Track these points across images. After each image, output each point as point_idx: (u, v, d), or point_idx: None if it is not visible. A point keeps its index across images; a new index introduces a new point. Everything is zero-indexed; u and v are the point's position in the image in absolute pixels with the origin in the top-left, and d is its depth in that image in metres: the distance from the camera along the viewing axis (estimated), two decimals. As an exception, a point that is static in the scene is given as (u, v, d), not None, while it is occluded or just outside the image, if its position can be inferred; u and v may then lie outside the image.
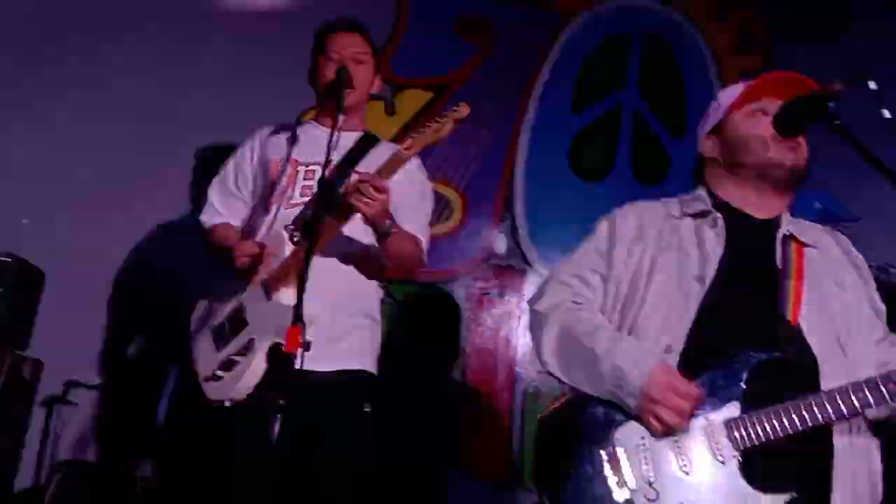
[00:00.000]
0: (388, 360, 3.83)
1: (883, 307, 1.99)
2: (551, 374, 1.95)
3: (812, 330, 1.83)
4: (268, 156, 2.72)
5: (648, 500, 1.72)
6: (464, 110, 2.38)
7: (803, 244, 1.96)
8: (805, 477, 1.73)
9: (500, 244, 4.08)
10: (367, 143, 2.71)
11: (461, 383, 3.92)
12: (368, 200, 2.32)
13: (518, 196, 4.12)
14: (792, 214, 2.06)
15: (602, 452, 1.78)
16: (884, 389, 1.66)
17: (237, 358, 2.41)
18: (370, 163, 2.59)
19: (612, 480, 1.75)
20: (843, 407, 1.68)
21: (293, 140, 2.71)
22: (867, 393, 1.67)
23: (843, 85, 1.69)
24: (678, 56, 4.37)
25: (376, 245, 2.50)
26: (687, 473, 1.72)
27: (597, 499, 1.75)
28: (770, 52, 4.39)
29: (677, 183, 4.12)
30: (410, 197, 2.65)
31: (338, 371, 2.48)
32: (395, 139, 3.90)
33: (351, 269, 2.57)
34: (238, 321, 2.48)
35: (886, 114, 1.58)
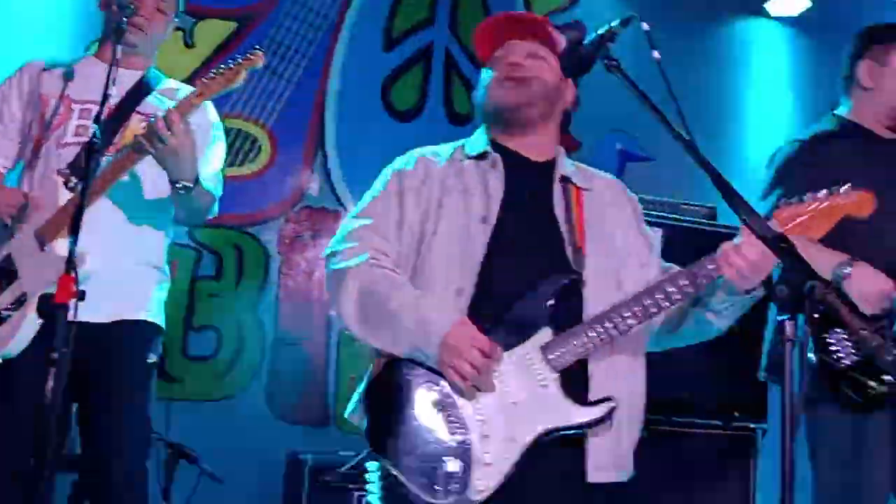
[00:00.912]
0: (194, 307, 3.71)
1: (652, 237, 2.10)
2: (354, 338, 1.91)
3: (592, 267, 1.92)
4: (40, 91, 2.48)
5: (484, 437, 1.77)
6: (258, 59, 2.30)
7: (580, 188, 2.03)
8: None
9: (313, 185, 3.97)
10: (150, 83, 2.52)
11: (274, 327, 3.83)
12: (160, 145, 2.19)
13: (330, 135, 4.01)
14: (594, 156, 2.12)
15: (433, 402, 1.80)
16: (674, 288, 1.81)
17: (7, 312, 2.26)
18: (154, 104, 2.45)
19: (445, 428, 1.78)
20: (647, 307, 1.80)
21: (69, 75, 2.48)
22: (660, 295, 1.81)
23: (619, 27, 1.72)
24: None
25: (162, 191, 2.37)
26: (514, 404, 1.79)
27: (433, 449, 1.77)
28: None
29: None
30: (199, 144, 2.49)
31: (118, 321, 2.36)
32: (195, 73, 3.70)
33: (133, 216, 2.41)
34: (7, 273, 2.30)
35: (656, 54, 1.62)
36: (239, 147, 3.78)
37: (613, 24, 1.75)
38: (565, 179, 2.01)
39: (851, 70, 2.69)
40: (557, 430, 1.78)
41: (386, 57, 4.15)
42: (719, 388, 3.29)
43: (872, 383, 2.37)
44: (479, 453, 1.75)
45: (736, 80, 4.79)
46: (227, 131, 3.70)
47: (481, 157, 2.01)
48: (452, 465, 1.75)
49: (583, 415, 1.79)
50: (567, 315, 1.85)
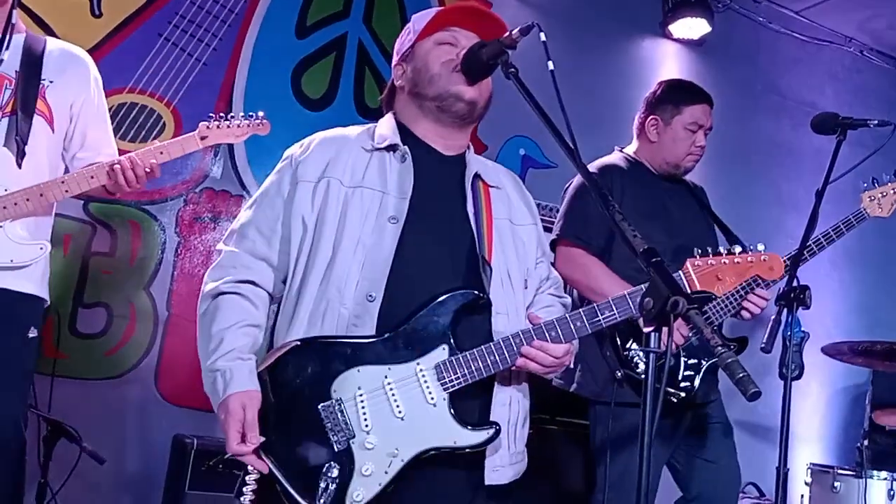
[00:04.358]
0: (85, 283, 3.62)
1: (548, 247, 2.15)
2: None
3: (499, 269, 1.92)
4: None
5: (367, 448, 1.75)
6: (265, 128, 2.59)
7: (489, 185, 2.02)
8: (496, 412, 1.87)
9: (216, 167, 3.92)
10: (38, 46, 2.49)
11: (167, 308, 3.77)
12: (133, 178, 2.40)
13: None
14: (498, 160, 2.17)
15: (320, 407, 1.77)
16: (580, 324, 1.83)
17: None
18: (51, 68, 2.46)
19: (331, 434, 1.76)
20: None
21: None
22: (565, 328, 1.83)
23: (519, 35, 1.77)
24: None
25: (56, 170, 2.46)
26: (402, 418, 1.77)
27: (315, 452, 1.75)
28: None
29: (397, 118, 4.19)
30: (100, 121, 2.58)
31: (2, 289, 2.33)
32: (100, 44, 3.61)
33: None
34: None
35: (551, 65, 1.67)
36: (142, 123, 3.71)
37: (514, 31, 1.78)
38: (477, 177, 1.99)
39: (643, 119, 3.09)
40: (439, 450, 1.77)
41: (299, 44, 4.13)
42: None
43: (672, 391, 2.71)
44: (359, 463, 1.74)
45: (639, 95, 4.97)
46: (131, 107, 3.68)
47: (390, 148, 1.95)
48: (332, 472, 1.73)
49: (467, 438, 1.78)
50: (470, 328, 1.84)
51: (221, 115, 2.57)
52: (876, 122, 2.81)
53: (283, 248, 1.92)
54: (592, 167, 3.02)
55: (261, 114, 2.65)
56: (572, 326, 1.82)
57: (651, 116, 3.07)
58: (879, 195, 2.96)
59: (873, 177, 2.98)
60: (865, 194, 2.99)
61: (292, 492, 1.73)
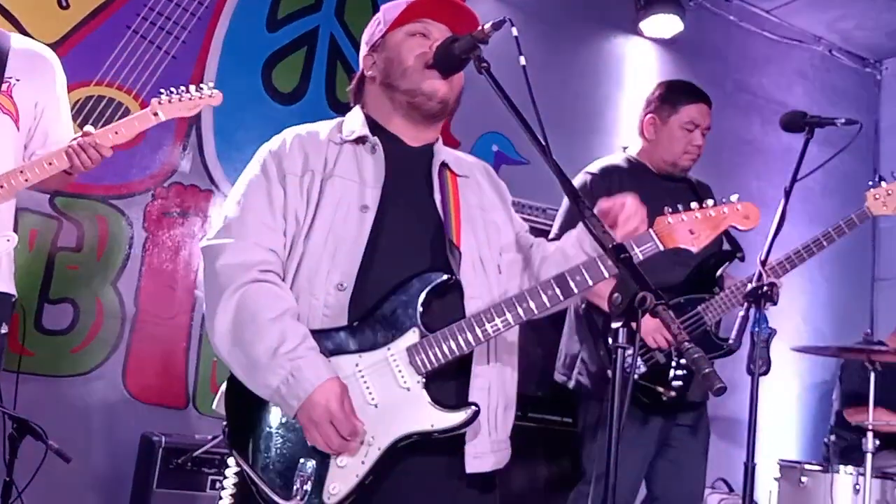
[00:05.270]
0: (51, 279, 3.57)
1: (525, 225, 2.12)
2: (217, 355, 1.79)
3: (468, 254, 1.90)
4: None
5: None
6: (217, 99, 2.56)
7: (456, 174, 2.01)
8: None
9: (185, 161, 3.88)
10: (4, 43, 2.48)
11: (135, 304, 3.72)
12: (88, 160, 2.37)
13: (206, 111, 3.90)
14: (474, 154, 2.18)
15: None
16: (551, 293, 1.79)
17: None
18: (18, 66, 2.44)
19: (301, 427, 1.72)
20: (511, 317, 1.78)
21: None
22: (532, 303, 1.78)
23: (491, 29, 1.77)
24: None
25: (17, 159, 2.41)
26: (376, 406, 1.74)
27: (289, 449, 1.72)
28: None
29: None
30: (63, 122, 2.56)
31: None
32: (67, 36, 3.56)
33: None
34: None
35: (522, 60, 1.67)
36: (109, 116, 3.66)
37: (486, 26, 1.78)
38: (444, 166, 1.98)
39: (642, 118, 3.12)
40: (415, 435, 1.74)
41: (270, 37, 4.09)
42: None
43: (661, 390, 2.74)
44: (334, 455, 1.71)
45: (610, 92, 5.00)
46: (98, 100, 3.63)
47: (359, 140, 1.94)
48: (307, 466, 1.70)
49: (444, 420, 1.74)
50: (442, 313, 1.80)
51: (171, 89, 2.52)
52: (843, 120, 2.84)
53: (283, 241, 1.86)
54: (594, 168, 3.09)
55: (211, 84, 2.60)
56: (544, 296, 1.80)
57: (649, 115, 3.13)
58: (885, 193, 2.90)
59: (880, 175, 2.97)
60: (870, 193, 2.93)
61: (268, 491, 1.70)
